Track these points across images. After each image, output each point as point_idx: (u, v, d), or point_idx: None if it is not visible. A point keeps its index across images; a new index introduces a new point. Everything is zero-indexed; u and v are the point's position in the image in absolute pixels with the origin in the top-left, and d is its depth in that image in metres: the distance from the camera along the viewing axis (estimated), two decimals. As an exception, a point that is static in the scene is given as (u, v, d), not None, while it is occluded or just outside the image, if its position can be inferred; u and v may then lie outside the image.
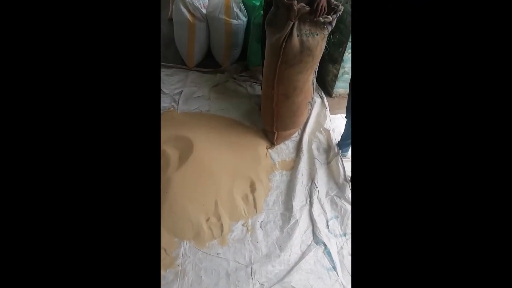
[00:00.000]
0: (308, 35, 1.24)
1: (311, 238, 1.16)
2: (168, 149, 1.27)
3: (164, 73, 1.90)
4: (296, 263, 1.09)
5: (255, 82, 1.86)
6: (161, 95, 1.75)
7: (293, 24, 1.20)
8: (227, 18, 1.79)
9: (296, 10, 1.15)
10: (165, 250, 1.10)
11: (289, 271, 1.07)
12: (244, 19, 1.85)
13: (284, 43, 1.22)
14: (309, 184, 1.33)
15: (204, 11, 1.83)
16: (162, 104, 1.70)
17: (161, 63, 1.95)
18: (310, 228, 1.19)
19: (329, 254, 1.11)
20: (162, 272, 1.04)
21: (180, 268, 1.06)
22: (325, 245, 1.13)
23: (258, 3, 1.78)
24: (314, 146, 1.49)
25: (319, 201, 1.27)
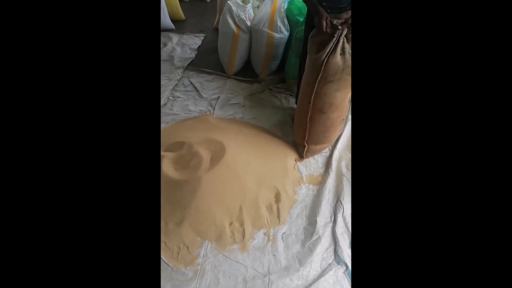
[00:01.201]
0: (351, 53, 1.24)
1: (333, 257, 1.13)
2: (201, 150, 1.32)
3: (204, 78, 1.99)
4: (315, 280, 1.06)
5: (290, 95, 1.88)
6: (199, 99, 1.83)
7: (337, 42, 1.21)
8: (270, 31, 1.85)
9: (339, 29, 1.17)
10: (187, 247, 1.13)
11: (307, 287, 1.05)
12: (286, 33, 1.89)
13: (326, 59, 1.24)
14: (335, 201, 1.31)
15: (249, 23, 1.90)
16: (199, 108, 1.77)
17: (202, 69, 2.05)
18: (332, 247, 1.16)
19: (349, 275, 1.08)
20: (183, 269, 1.07)
21: (199, 267, 1.08)
22: (346, 266, 1.10)
23: (301, 19, 1.82)
24: (343, 164, 1.47)
25: (344, 219, 1.24)
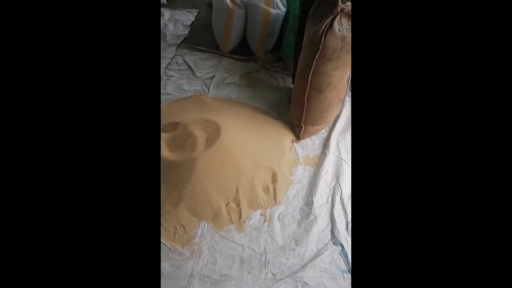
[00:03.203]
0: (349, 30, 1.20)
1: (329, 237, 1.15)
2: (196, 131, 1.29)
3: (198, 56, 1.92)
4: (311, 260, 1.08)
5: (287, 74, 1.84)
6: (194, 78, 1.78)
7: (334, 17, 1.16)
8: (266, 7, 1.77)
9: (338, 4, 1.11)
10: (184, 228, 1.13)
11: (303, 266, 1.07)
12: (283, 9, 1.82)
13: (323, 36, 1.19)
14: (333, 183, 1.31)
15: (244, -2, 1.82)
16: (194, 87, 1.72)
17: (196, 47, 1.97)
18: (329, 227, 1.17)
19: (345, 256, 1.09)
20: (180, 249, 1.08)
21: (196, 247, 1.09)
22: (342, 247, 1.12)
23: (299, -6, 1.74)
24: (342, 148, 1.46)
25: (341, 201, 1.25)
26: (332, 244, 1.13)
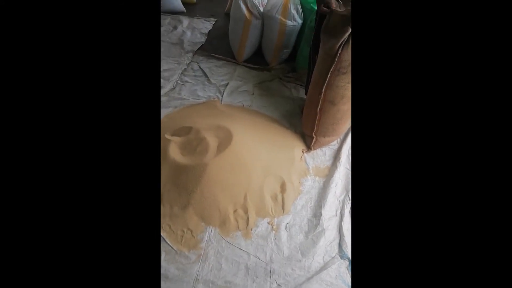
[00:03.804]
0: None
1: (336, 250, 1.13)
2: (208, 137, 1.31)
3: (213, 64, 1.96)
4: (317, 273, 1.07)
5: (300, 85, 1.85)
6: (208, 84, 1.81)
7: (351, 32, 1.18)
8: (283, 19, 1.80)
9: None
10: (191, 231, 1.14)
11: (308, 279, 1.05)
12: (300, 21, 1.84)
13: (340, 50, 1.20)
14: (343, 195, 1.30)
15: (261, 9, 1.86)
16: (208, 93, 1.75)
17: (212, 54, 2.02)
18: (337, 241, 1.16)
19: (352, 270, 1.08)
20: (186, 252, 1.08)
21: (203, 252, 1.09)
22: (349, 261, 1.10)
23: (316, 7, 1.77)
24: (353, 159, 1.45)
25: (351, 215, 1.23)
26: (339, 257, 1.11)
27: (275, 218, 1.22)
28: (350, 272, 1.08)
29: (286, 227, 1.19)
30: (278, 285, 1.04)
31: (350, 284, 1.05)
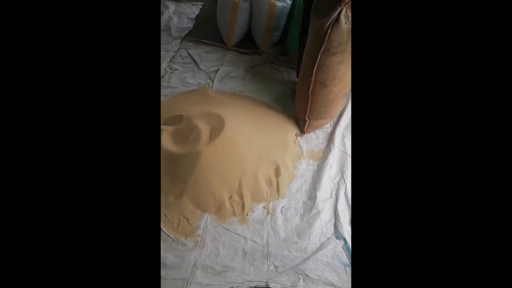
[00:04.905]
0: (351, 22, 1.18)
1: (332, 231, 1.15)
2: (200, 124, 1.29)
3: (202, 49, 1.91)
4: (313, 253, 1.08)
5: (292, 68, 1.82)
6: (198, 71, 1.78)
7: (341, 10, 1.15)
8: (271, 0, 1.75)
9: None
10: (187, 219, 1.14)
11: (305, 259, 1.07)
12: (289, 1, 1.79)
13: (329, 30, 1.17)
14: (338, 178, 1.31)
15: (249, -10, 1.80)
16: (198, 80, 1.72)
17: (201, 40, 1.97)
18: (332, 222, 1.17)
19: (348, 250, 1.09)
20: (183, 240, 1.09)
21: (200, 239, 1.10)
22: (345, 241, 1.12)
23: (305, -14, 1.72)
24: (347, 141, 1.45)
25: (346, 196, 1.24)
26: (335, 238, 1.13)
27: (271, 202, 1.22)
28: (346, 251, 1.10)
29: (281, 211, 1.20)
30: (276, 267, 1.05)
31: (346, 262, 1.07)
